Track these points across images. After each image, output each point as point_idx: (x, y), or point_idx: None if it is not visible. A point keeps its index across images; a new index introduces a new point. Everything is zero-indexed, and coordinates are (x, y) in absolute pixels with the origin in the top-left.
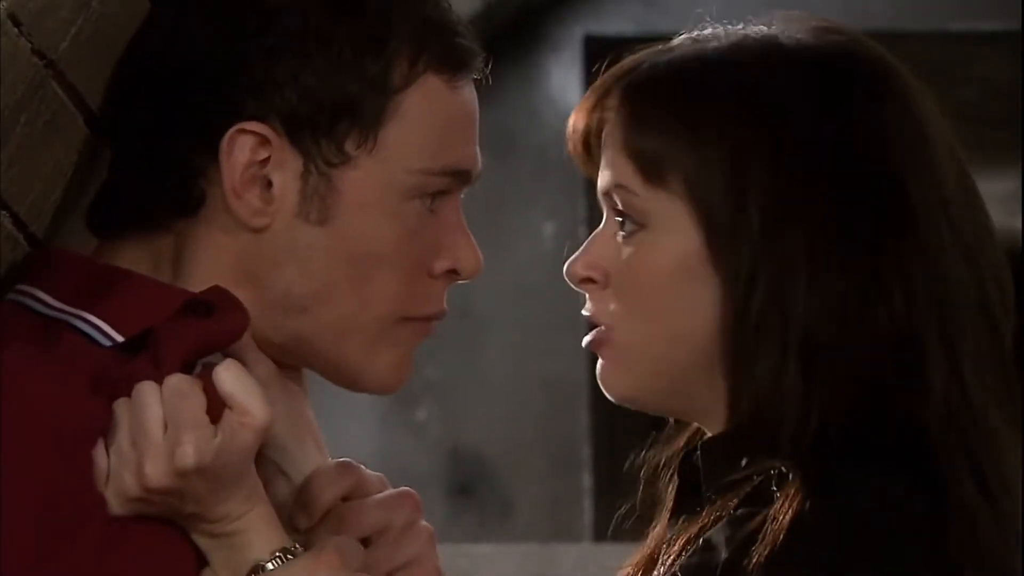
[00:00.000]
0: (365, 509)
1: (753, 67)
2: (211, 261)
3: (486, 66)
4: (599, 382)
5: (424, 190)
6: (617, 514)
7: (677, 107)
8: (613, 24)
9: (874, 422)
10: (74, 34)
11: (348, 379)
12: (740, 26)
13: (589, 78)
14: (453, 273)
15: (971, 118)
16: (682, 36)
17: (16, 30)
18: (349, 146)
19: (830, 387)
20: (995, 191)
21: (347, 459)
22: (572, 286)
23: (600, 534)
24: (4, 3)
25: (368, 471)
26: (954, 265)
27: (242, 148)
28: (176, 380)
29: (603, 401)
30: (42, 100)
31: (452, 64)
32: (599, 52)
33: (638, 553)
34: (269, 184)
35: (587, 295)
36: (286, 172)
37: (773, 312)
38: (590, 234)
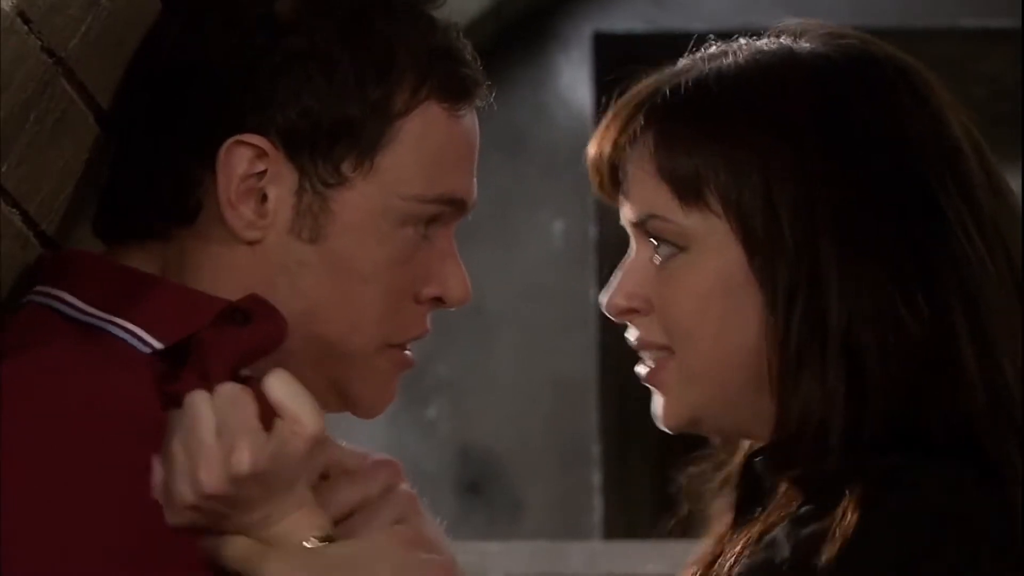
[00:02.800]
0: (339, 487)
1: (773, 80)
2: (210, 272)
3: (491, 96)
4: (656, 419)
5: (417, 216)
6: (672, 523)
7: (707, 126)
8: (623, 21)
9: (921, 421)
10: (83, 32)
11: (333, 403)
12: (743, 41)
13: (599, 76)
14: (439, 300)
15: (980, 115)
16: (690, 56)
17: (25, 28)
18: (346, 168)
19: (875, 391)
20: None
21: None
22: (613, 319)
23: (610, 532)
24: (13, 0)
25: (345, 446)
26: (984, 260)
27: (239, 159)
28: (228, 388)
29: (613, 399)
30: (51, 98)
31: (455, 93)
32: (609, 50)
33: (694, 564)
34: (265, 198)
35: (630, 324)
36: (282, 187)
37: (813, 323)
38: (600, 232)
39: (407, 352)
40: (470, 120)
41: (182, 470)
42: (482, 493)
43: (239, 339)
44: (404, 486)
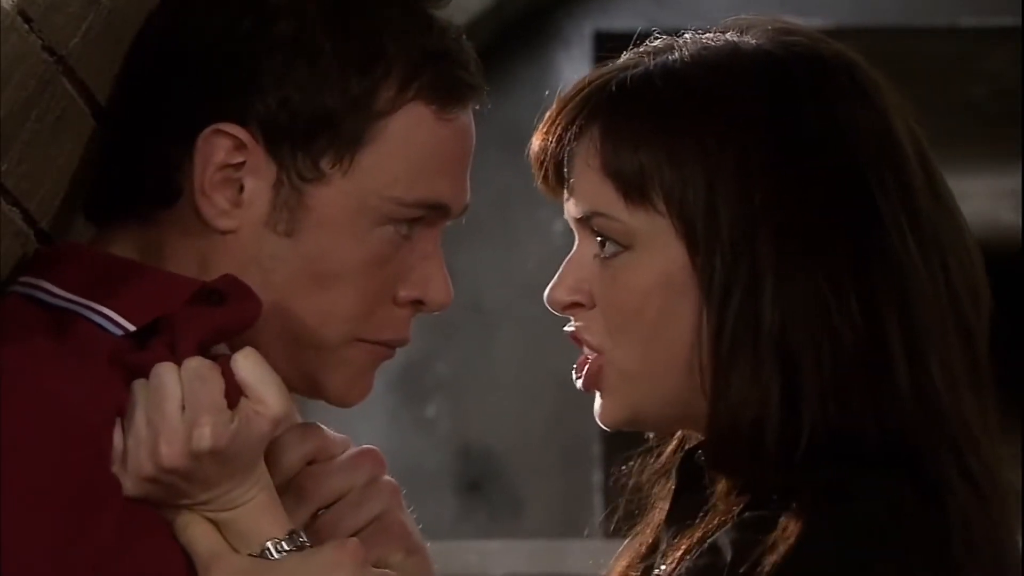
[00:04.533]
0: (325, 475)
1: (717, 77)
2: (184, 259)
3: (489, 97)
4: (598, 418)
5: (396, 218)
6: (603, 515)
7: (652, 123)
8: (623, 20)
9: (856, 428)
10: (84, 30)
11: (304, 389)
12: (689, 36)
13: None
14: (419, 303)
15: (980, 114)
16: (636, 51)
17: (26, 26)
18: (324, 163)
19: (808, 395)
20: (1003, 187)
21: (310, 422)
22: (555, 313)
23: (610, 530)
24: None
25: (332, 433)
26: (918, 265)
27: (217, 148)
28: (196, 363)
29: None
30: (52, 96)
31: (445, 95)
32: (609, 48)
33: (629, 553)
34: (242, 188)
35: (572, 318)
36: (259, 179)
37: (747, 322)
38: None
39: (384, 347)
40: (463, 123)
41: (143, 441)
42: (483, 492)
43: (210, 317)
44: (386, 477)
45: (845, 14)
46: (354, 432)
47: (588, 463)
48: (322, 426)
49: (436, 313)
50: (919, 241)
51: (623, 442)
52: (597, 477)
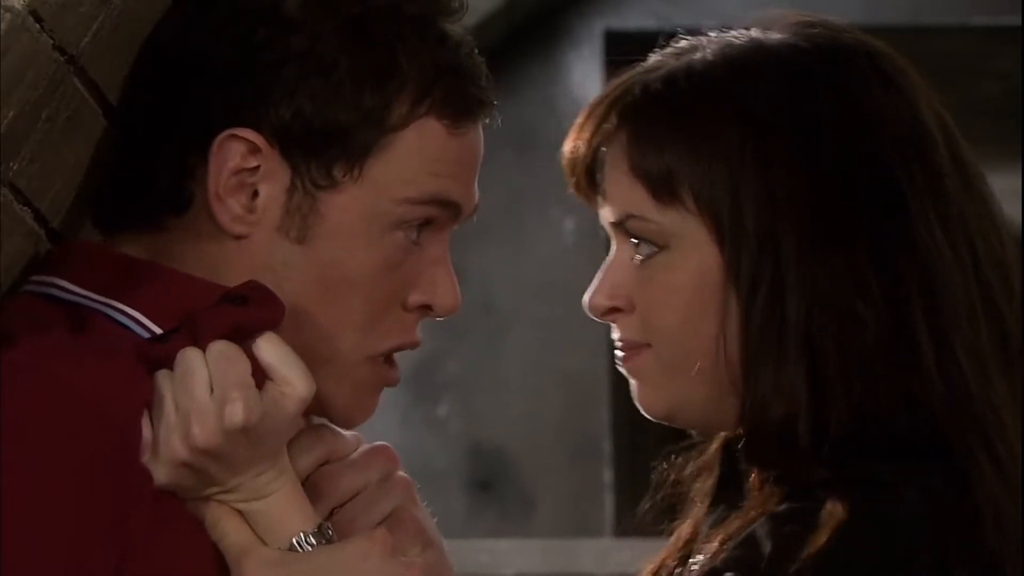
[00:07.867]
0: (338, 474)
1: (740, 73)
2: (196, 265)
3: (496, 113)
4: (637, 403)
5: (408, 220)
6: (639, 510)
7: (677, 123)
8: (634, 19)
9: (885, 416)
10: (95, 30)
11: (311, 408)
12: (713, 35)
13: (610, 73)
14: (427, 308)
15: (992, 112)
16: (660, 52)
17: (37, 26)
18: (337, 172)
19: (835, 385)
20: (1014, 185)
21: (321, 424)
22: (595, 319)
23: (621, 529)
24: None
25: (342, 432)
26: (944, 250)
27: (232, 153)
28: (221, 345)
29: (624, 396)
30: (63, 96)
31: (457, 111)
32: (620, 47)
33: (668, 547)
34: (256, 194)
35: (613, 325)
36: (274, 184)
37: (773, 315)
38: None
39: (393, 369)
40: (472, 137)
41: (174, 426)
42: (493, 491)
43: (233, 314)
44: (400, 472)
45: (856, 13)
46: (365, 431)
47: (599, 462)
48: (333, 426)
49: (439, 319)
50: (946, 226)
51: (633, 441)
52: (608, 476)
